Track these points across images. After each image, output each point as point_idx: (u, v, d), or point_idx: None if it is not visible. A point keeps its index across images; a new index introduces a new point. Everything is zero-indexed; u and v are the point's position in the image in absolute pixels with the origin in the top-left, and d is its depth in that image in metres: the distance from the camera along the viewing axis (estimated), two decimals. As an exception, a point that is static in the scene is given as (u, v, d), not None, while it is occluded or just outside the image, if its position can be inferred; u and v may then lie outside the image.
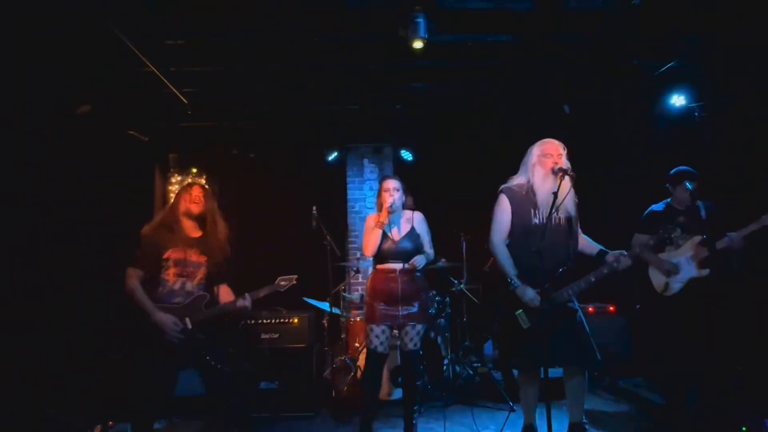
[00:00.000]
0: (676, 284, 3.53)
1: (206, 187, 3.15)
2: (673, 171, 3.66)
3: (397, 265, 3.28)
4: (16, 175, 3.75)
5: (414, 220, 3.40)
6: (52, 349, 3.93)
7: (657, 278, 3.63)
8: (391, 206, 3.23)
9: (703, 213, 3.51)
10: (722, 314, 3.53)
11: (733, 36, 3.59)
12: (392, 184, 3.34)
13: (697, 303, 3.48)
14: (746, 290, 3.80)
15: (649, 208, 3.76)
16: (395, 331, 3.42)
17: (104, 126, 4.64)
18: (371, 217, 3.40)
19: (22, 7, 3.06)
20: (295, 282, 3.11)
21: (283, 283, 3.07)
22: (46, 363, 3.87)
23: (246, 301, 2.97)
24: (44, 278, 3.91)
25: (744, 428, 3.09)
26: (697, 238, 3.48)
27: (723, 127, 4.34)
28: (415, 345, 3.28)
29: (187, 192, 3.03)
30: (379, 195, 3.39)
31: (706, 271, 3.46)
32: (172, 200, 3.12)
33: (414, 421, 3.35)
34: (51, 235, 3.99)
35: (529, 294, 2.85)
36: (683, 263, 3.53)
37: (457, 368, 4.50)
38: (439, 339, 4.50)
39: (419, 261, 3.26)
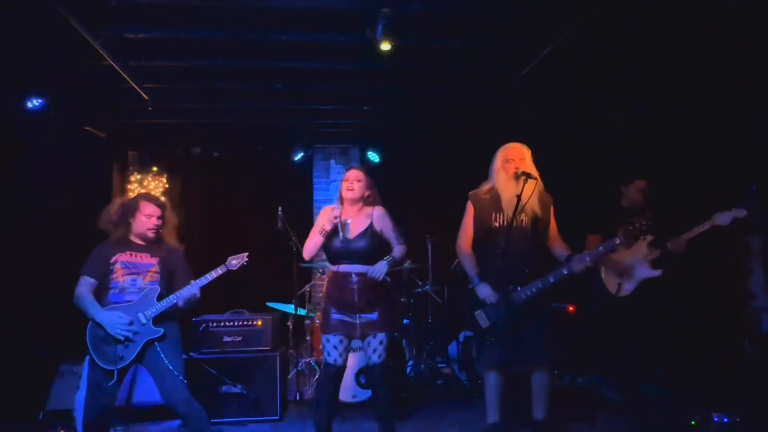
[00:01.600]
0: (630, 285, 3.58)
1: (164, 205, 3.05)
2: (625, 173, 3.71)
3: (353, 268, 2.96)
4: None
5: (373, 216, 3.04)
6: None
7: (610, 279, 3.69)
8: (347, 198, 2.99)
9: (649, 214, 3.64)
10: (675, 313, 3.66)
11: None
12: (354, 174, 3.08)
13: (650, 303, 3.57)
14: (698, 290, 3.96)
15: (600, 210, 3.80)
16: (354, 342, 3.13)
17: (60, 122, 4.46)
18: (326, 210, 3.08)
19: None
20: (246, 261, 2.97)
21: (234, 261, 2.95)
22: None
23: (193, 288, 2.88)
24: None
25: (693, 423, 3.23)
26: (649, 239, 3.52)
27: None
28: (380, 356, 2.97)
29: (143, 212, 2.92)
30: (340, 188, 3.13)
31: (658, 272, 3.53)
32: (124, 208, 2.96)
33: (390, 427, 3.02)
34: (5, 235, 3.81)
35: (484, 291, 2.94)
36: (636, 264, 3.57)
37: (422, 368, 4.52)
38: (404, 340, 4.51)
39: (379, 271, 2.89)
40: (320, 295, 5.33)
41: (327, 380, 3.01)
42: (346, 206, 3.05)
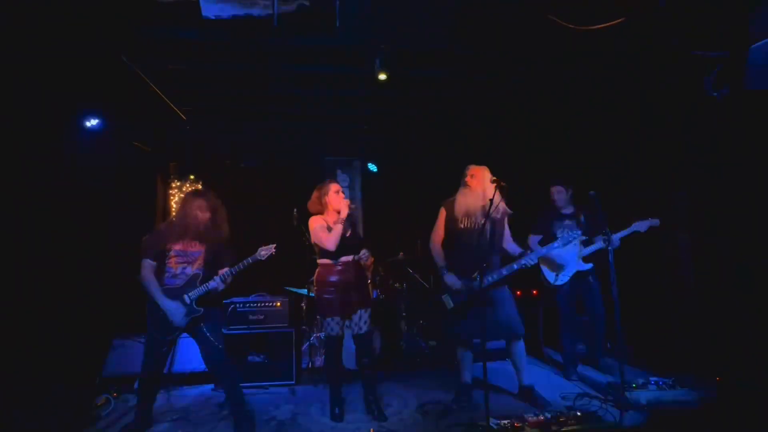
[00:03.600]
0: (565, 276, 3.69)
1: (212, 195, 3.04)
2: (554, 182, 3.79)
3: (349, 258, 3.08)
4: (42, 182, 3.63)
5: (355, 220, 3.24)
6: (62, 331, 3.75)
7: (549, 272, 3.77)
8: (350, 206, 3.03)
9: (582, 218, 3.71)
10: (598, 297, 3.74)
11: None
12: (339, 186, 3.14)
13: (579, 289, 3.70)
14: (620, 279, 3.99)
15: (540, 214, 3.86)
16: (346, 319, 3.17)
17: (113, 138, 4.50)
18: (319, 219, 3.08)
19: (54, 38, 2.99)
20: (274, 251, 2.94)
21: (263, 252, 2.93)
22: (57, 343, 3.69)
23: (215, 282, 2.88)
24: (62, 269, 3.75)
25: (634, 385, 3.23)
26: (582, 238, 3.58)
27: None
28: (368, 327, 3.09)
29: (196, 202, 2.95)
30: (324, 196, 3.10)
31: (589, 265, 3.65)
32: (180, 204, 3.03)
33: (374, 387, 3.14)
34: (70, 231, 3.85)
35: (450, 279, 3.02)
36: (570, 259, 3.66)
37: (413, 341, 4.55)
38: (399, 318, 4.54)
39: (365, 256, 3.10)
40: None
41: (332, 349, 3.14)
42: (333, 212, 3.09)
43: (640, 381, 3.22)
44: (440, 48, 3.44)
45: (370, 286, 3.28)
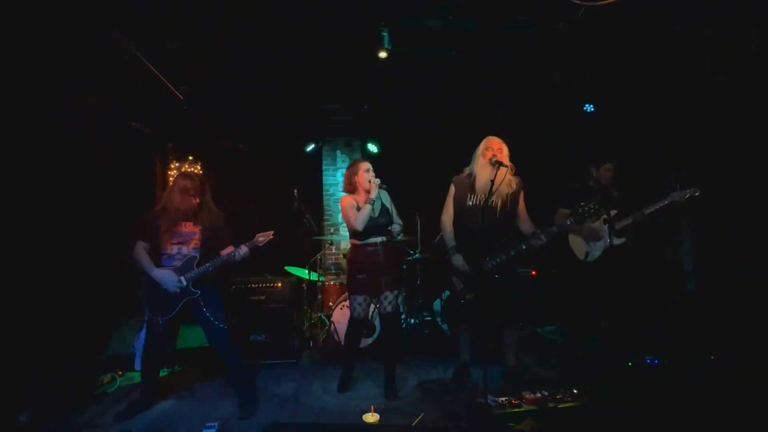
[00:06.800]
0: (596, 252, 3.48)
1: (200, 178, 3.00)
2: (604, 160, 3.62)
3: (378, 239, 3.05)
4: (39, 165, 3.59)
5: (381, 198, 3.15)
6: (68, 312, 3.78)
7: (577, 247, 3.58)
8: (379, 184, 2.99)
9: (615, 192, 3.58)
10: (635, 276, 3.56)
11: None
12: (369, 165, 3.11)
13: (614, 267, 3.46)
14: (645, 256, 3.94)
15: (570, 189, 3.70)
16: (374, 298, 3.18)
17: (111, 119, 4.44)
18: (349, 198, 3.09)
19: (49, 17, 2.91)
20: (271, 237, 2.93)
21: (261, 238, 2.92)
22: (63, 322, 3.73)
23: (240, 251, 2.87)
24: (64, 250, 3.75)
25: (630, 363, 3.31)
26: (613, 212, 3.42)
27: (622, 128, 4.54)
28: (393, 308, 3.10)
29: (185, 185, 2.90)
30: (354, 175, 3.09)
31: (622, 240, 3.42)
32: (170, 188, 2.99)
33: (393, 366, 3.16)
34: (70, 213, 3.84)
35: (458, 260, 2.98)
36: (603, 234, 3.45)
37: (412, 321, 4.60)
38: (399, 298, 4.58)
39: (396, 229, 3.10)
40: (330, 261, 5.40)
41: (352, 330, 3.18)
42: (363, 192, 3.07)
43: (634, 359, 3.26)
44: (442, 24, 3.38)
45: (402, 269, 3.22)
